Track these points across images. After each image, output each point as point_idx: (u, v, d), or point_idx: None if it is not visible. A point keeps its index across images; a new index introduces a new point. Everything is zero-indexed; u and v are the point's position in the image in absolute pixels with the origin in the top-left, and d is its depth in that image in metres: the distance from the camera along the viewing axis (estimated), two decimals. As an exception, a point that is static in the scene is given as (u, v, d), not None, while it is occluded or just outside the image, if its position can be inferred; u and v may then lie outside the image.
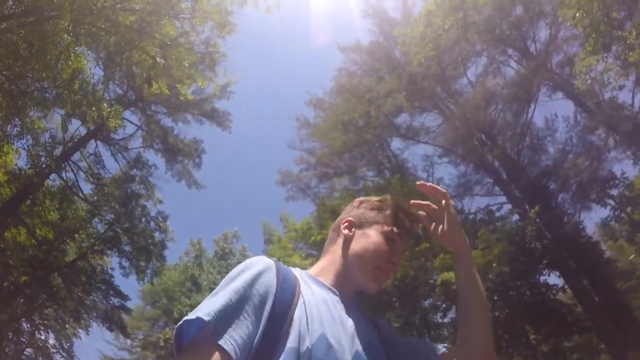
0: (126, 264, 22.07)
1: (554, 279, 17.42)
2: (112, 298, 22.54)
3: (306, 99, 21.83)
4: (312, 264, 1.48)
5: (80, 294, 21.27)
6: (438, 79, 17.31)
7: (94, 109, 13.03)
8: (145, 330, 32.73)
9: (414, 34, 9.93)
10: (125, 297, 22.57)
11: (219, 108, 23.41)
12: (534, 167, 19.73)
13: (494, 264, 14.11)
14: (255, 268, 1.15)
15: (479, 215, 19.19)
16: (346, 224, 1.45)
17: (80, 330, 22.90)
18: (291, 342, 1.05)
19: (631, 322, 15.57)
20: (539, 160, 19.81)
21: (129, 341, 31.30)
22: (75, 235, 20.94)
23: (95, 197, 21.84)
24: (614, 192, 19.37)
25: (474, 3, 9.67)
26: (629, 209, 18.83)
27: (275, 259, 1.25)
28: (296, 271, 1.31)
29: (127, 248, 22.22)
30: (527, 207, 18.56)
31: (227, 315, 0.99)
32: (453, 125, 18.13)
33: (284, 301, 1.12)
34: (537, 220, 17.54)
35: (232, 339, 0.96)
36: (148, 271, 22.13)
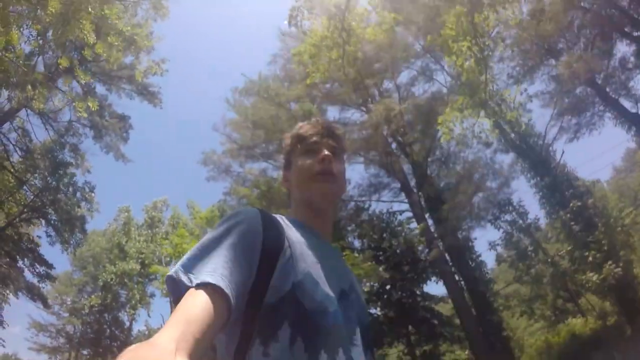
0: (52, 233, 24.60)
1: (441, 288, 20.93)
2: (38, 266, 24.56)
3: (232, 87, 24.11)
4: None
5: (7, 261, 23.60)
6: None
7: (18, 91, 15.48)
8: (72, 295, 34.81)
9: (304, 59, 12.27)
10: (50, 266, 24.32)
11: (151, 84, 25.32)
12: (441, 179, 22.96)
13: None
14: (240, 217, 1.22)
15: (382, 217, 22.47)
16: (283, 179, 1.61)
17: (9, 296, 24.77)
18: (276, 282, 1.14)
19: (500, 340, 18.73)
20: (447, 175, 23.01)
21: (56, 306, 34.06)
22: (4, 204, 23.17)
23: (23, 166, 24.06)
24: (508, 217, 22.87)
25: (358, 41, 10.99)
26: (515, 237, 22.27)
27: (259, 208, 1.33)
28: (278, 216, 1.37)
29: (54, 217, 24.38)
30: (426, 217, 21.77)
31: (228, 272, 1.03)
32: (370, 127, 20.96)
33: (272, 246, 1.19)
34: (432, 231, 20.93)
35: (230, 284, 1.00)
36: (72, 241, 24.69)
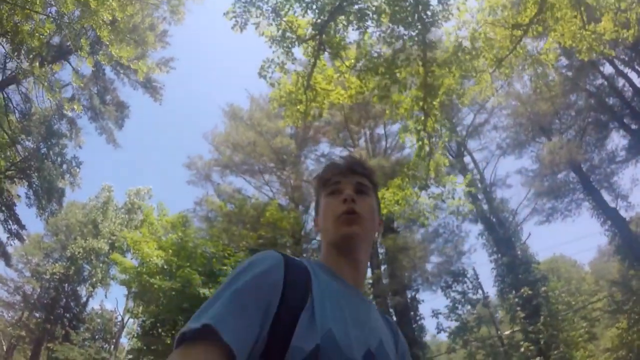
0: (32, 196, 25.80)
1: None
2: (11, 223, 25.89)
3: (224, 108, 25.50)
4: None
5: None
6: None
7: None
8: (38, 258, 35.97)
9: (274, 109, 13.61)
10: (22, 226, 25.45)
11: (155, 79, 26.69)
12: (405, 235, 23.87)
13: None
14: (261, 266, 1.13)
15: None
16: (315, 224, 1.54)
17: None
18: (296, 341, 1.02)
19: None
20: (410, 232, 23.94)
21: (20, 264, 35.20)
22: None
23: (20, 126, 25.28)
24: (459, 287, 23.68)
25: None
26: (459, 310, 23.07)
27: (283, 253, 1.25)
28: (306, 261, 1.30)
29: (36, 182, 25.69)
30: (381, 269, 22.46)
31: (230, 317, 0.96)
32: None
33: (293, 300, 1.09)
34: (385, 283, 21.74)
35: (234, 337, 0.93)
36: (48, 209, 25.84)
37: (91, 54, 21.83)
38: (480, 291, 23.88)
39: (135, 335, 20.70)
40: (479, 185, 28.03)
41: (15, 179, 25.83)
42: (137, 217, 34.87)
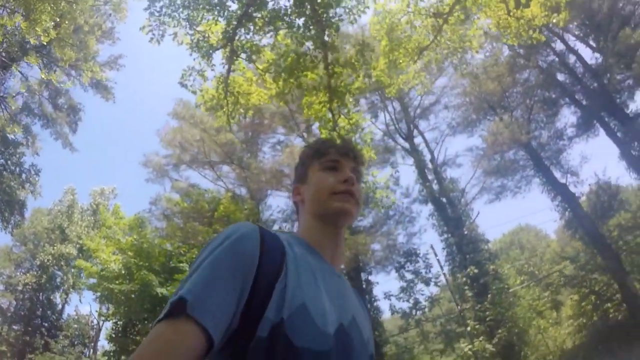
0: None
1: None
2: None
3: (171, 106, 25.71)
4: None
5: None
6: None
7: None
8: (9, 271, 36.14)
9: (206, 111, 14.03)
10: None
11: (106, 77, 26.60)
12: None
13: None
14: (236, 237, 1.12)
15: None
16: (293, 193, 1.50)
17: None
18: (268, 313, 1.03)
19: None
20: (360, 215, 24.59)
21: (-7, 278, 35.40)
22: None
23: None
24: (411, 267, 24.52)
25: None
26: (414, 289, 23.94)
27: (258, 225, 1.22)
28: (282, 235, 1.28)
29: (-4, 196, 25.83)
30: None
31: (206, 291, 0.96)
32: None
33: (269, 271, 1.10)
34: None
35: (209, 314, 0.93)
36: (11, 221, 26.04)
37: (40, 59, 22.10)
38: (430, 271, 24.75)
39: (108, 338, 21.20)
40: (430, 165, 28.49)
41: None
42: (117, 207, 35.11)
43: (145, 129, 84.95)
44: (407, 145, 29.71)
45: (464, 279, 22.72)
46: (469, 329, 21.05)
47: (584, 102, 26.44)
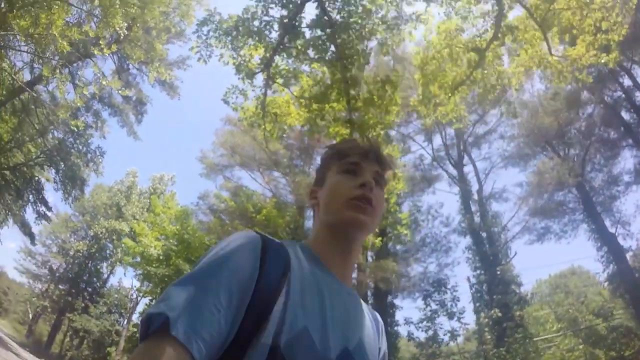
0: (58, 181, 28.53)
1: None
2: (39, 205, 28.79)
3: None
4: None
5: (14, 195, 27.71)
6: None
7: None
8: (65, 237, 39.41)
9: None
10: (49, 208, 28.87)
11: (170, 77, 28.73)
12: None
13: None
14: (235, 248, 1.03)
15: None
16: (310, 196, 1.40)
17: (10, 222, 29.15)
18: (266, 337, 0.93)
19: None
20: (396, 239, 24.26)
21: (49, 240, 38.41)
22: (25, 145, 27.17)
23: (50, 118, 27.88)
24: (438, 297, 24.22)
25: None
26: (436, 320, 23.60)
27: (262, 234, 1.13)
28: (289, 244, 1.19)
29: (63, 168, 28.33)
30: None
31: (195, 308, 0.87)
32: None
33: (268, 288, 0.99)
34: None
35: (196, 336, 0.84)
36: (72, 194, 28.51)
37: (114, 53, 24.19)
38: (457, 304, 24.06)
39: (141, 313, 22.82)
40: (475, 196, 27.58)
41: (44, 166, 28.49)
42: (167, 198, 37.23)
43: (206, 126, 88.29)
44: (455, 172, 29.11)
45: (486, 319, 22.27)
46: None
47: None
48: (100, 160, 29.25)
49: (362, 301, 1.28)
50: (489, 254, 24.73)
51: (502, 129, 29.35)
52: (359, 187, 1.23)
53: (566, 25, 11.23)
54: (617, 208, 25.08)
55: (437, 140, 30.02)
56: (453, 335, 23.20)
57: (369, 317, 1.28)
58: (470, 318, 36.35)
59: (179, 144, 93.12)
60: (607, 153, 25.83)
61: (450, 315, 23.59)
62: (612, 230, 23.84)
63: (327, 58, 10.92)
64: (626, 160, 27.84)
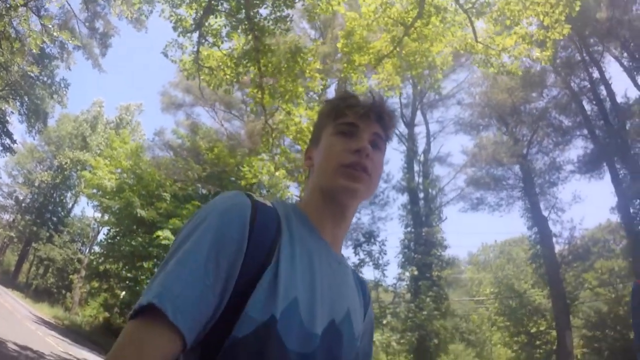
0: (23, 113, 29.40)
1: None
2: (4, 137, 29.60)
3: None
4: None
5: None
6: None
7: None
8: (30, 167, 40.13)
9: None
10: (13, 141, 29.33)
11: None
12: None
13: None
14: (221, 216, 0.95)
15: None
16: (305, 156, 1.32)
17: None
18: (251, 310, 0.89)
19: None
20: None
21: (15, 171, 39.34)
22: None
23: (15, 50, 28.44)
24: (367, 248, 25.47)
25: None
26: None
27: (252, 197, 1.05)
28: (281, 207, 1.12)
29: (27, 101, 29.09)
30: None
31: (182, 286, 0.83)
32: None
33: (258, 258, 0.95)
34: None
35: (185, 314, 0.81)
36: (36, 127, 29.47)
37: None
38: (384, 256, 25.17)
39: (98, 242, 24.33)
40: (422, 157, 28.43)
41: (8, 99, 29.18)
42: (125, 133, 37.70)
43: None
44: (406, 131, 29.61)
45: (406, 275, 23.88)
46: (384, 321, 22.24)
47: (602, 141, 24.18)
48: (65, 92, 29.87)
49: (350, 267, 1.24)
50: (422, 215, 25.84)
51: (461, 96, 29.88)
52: (354, 152, 1.14)
53: (499, 15, 11.27)
54: (554, 194, 25.98)
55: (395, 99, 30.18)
56: (376, 285, 24.37)
57: (356, 284, 1.25)
58: (394, 272, 36.89)
59: (151, 76, 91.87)
60: (558, 139, 26.44)
61: (376, 266, 24.81)
62: (545, 213, 24.95)
63: (240, 27, 11.84)
64: (577, 150, 28.81)
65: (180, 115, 28.24)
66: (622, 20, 22.20)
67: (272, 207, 1.08)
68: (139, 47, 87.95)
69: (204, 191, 23.45)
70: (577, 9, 10.59)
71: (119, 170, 22.60)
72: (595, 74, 24.85)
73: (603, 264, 25.96)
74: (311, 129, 13.00)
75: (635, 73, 23.61)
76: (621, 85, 32.86)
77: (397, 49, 12.68)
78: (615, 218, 24.78)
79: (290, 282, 0.96)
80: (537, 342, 23.68)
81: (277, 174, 13.58)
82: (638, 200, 21.95)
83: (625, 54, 24.24)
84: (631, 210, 22.26)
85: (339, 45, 13.57)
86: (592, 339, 23.32)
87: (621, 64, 24.36)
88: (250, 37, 11.86)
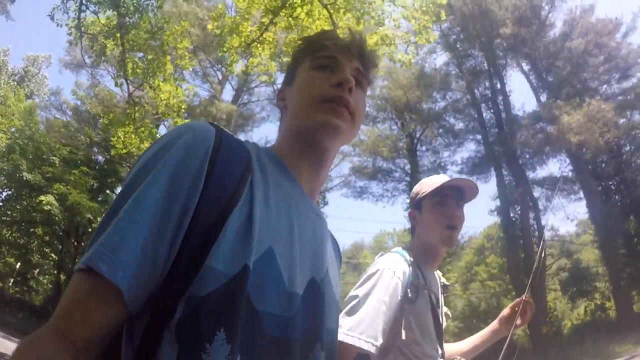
0: None
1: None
2: None
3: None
4: None
5: None
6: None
7: None
8: None
9: None
10: None
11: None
12: None
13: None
14: (176, 148, 0.80)
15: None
16: (277, 97, 1.17)
17: None
18: (214, 261, 0.73)
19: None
20: None
21: None
22: None
23: None
24: None
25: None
26: None
27: (219, 127, 0.89)
28: (251, 146, 0.98)
29: None
30: None
31: (122, 237, 0.71)
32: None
33: (222, 194, 0.79)
34: None
35: (123, 268, 0.69)
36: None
37: None
38: None
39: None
40: None
41: None
42: (30, 86, 35.86)
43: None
44: None
45: None
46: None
47: (492, 147, 25.48)
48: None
49: (326, 220, 1.10)
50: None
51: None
52: (335, 86, 1.02)
53: (362, 14, 11.05)
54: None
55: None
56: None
57: (331, 241, 1.14)
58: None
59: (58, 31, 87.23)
60: (450, 139, 28.11)
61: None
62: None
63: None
64: (470, 153, 29.58)
65: (84, 75, 27.13)
66: (527, 38, 23.60)
67: (241, 141, 0.94)
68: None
69: (100, 157, 22.96)
70: (444, 18, 11.17)
71: (12, 130, 21.84)
72: (499, 85, 26.39)
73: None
74: (182, 106, 13.46)
75: (538, 87, 25.42)
76: (521, 98, 36.24)
77: (274, 36, 12.59)
78: (495, 220, 26.63)
79: (265, 226, 0.82)
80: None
81: (142, 146, 13.54)
82: (518, 207, 23.75)
83: (530, 69, 25.85)
84: (511, 214, 23.93)
85: (209, 27, 13.61)
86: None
87: (528, 79, 26.07)
88: (114, 13, 12.05)
